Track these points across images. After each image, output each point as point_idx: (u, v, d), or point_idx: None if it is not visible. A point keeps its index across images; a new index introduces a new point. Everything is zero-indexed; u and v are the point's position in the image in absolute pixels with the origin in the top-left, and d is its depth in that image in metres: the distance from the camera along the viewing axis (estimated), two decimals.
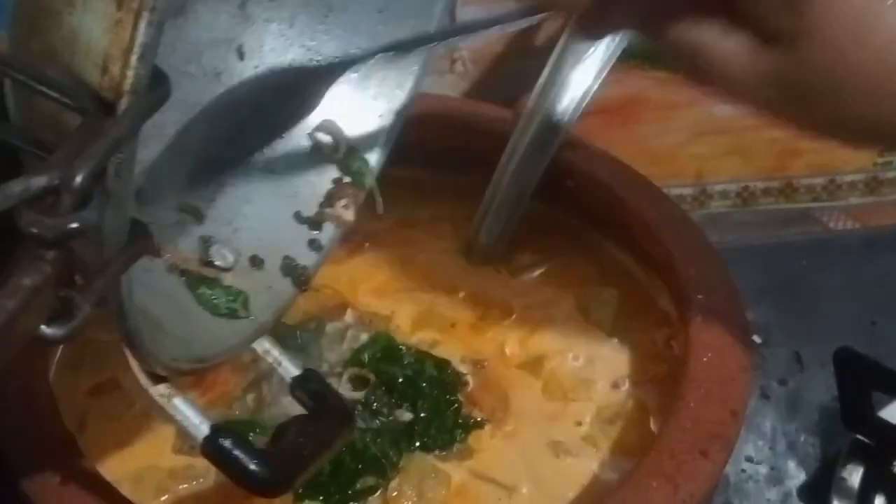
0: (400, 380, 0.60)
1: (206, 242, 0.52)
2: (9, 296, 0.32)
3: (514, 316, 0.64)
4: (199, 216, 0.52)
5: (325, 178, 0.57)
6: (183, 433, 0.52)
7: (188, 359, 0.47)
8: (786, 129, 0.81)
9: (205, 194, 0.53)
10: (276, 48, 0.56)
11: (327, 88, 0.56)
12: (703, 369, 0.55)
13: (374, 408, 0.59)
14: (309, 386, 0.50)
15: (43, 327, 0.33)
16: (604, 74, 0.66)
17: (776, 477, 0.66)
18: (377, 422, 0.58)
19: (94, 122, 0.34)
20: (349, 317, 0.63)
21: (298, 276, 0.55)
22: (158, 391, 0.45)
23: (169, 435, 0.57)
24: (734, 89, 0.47)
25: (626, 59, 0.68)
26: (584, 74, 0.66)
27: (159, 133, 0.49)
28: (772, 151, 0.84)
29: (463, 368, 0.61)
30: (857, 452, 0.63)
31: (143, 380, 0.45)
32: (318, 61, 0.57)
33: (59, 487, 0.50)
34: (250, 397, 0.59)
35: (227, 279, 0.52)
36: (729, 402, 0.54)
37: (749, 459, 0.67)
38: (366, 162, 0.58)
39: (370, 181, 0.58)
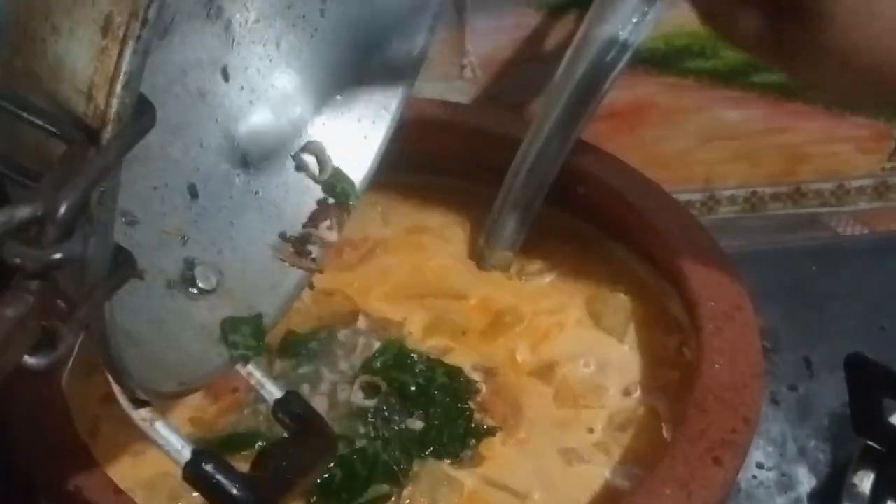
0: (412, 388, 0.60)
1: (190, 264, 0.51)
2: None
3: (525, 323, 0.64)
4: (182, 237, 0.52)
5: (309, 199, 0.57)
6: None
7: (173, 382, 0.47)
8: (794, 134, 0.82)
9: (188, 216, 0.53)
10: (261, 69, 0.56)
11: (313, 110, 0.57)
12: (715, 376, 0.55)
13: (385, 415, 0.59)
14: (291, 408, 0.49)
15: (27, 357, 0.33)
16: (612, 84, 0.66)
17: (787, 483, 0.66)
18: (389, 430, 0.58)
19: (79, 150, 0.33)
20: (361, 323, 0.63)
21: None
22: (140, 415, 0.45)
23: None
24: (748, 48, 0.48)
25: (634, 65, 0.68)
26: (592, 84, 0.65)
27: (143, 154, 0.49)
28: (780, 156, 0.85)
29: (474, 376, 0.61)
30: (868, 458, 0.63)
31: (125, 404, 0.45)
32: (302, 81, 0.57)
33: (73, 495, 0.50)
34: (262, 406, 0.59)
35: (211, 300, 0.52)
36: (741, 409, 0.54)
37: (760, 466, 0.67)
38: (351, 183, 0.57)
39: (355, 202, 0.57)
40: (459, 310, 0.64)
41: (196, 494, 0.54)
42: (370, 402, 0.59)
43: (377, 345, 0.62)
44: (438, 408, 0.59)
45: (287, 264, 0.55)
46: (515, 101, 0.78)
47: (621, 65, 0.64)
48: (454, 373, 0.61)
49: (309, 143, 0.57)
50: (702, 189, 0.85)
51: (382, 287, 0.66)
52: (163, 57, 0.50)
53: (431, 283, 0.66)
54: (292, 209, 0.56)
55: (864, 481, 0.63)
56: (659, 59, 0.78)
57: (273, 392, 0.50)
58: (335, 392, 0.60)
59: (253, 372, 0.51)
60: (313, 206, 0.57)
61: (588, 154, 0.67)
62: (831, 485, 0.65)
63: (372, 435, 0.58)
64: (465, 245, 0.68)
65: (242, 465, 0.55)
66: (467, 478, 0.56)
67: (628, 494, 0.53)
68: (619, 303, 0.64)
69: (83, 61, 0.33)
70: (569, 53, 0.66)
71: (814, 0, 0.44)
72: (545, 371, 0.61)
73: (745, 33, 0.48)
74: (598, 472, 0.57)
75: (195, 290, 0.51)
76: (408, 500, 0.55)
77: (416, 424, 0.58)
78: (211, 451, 0.45)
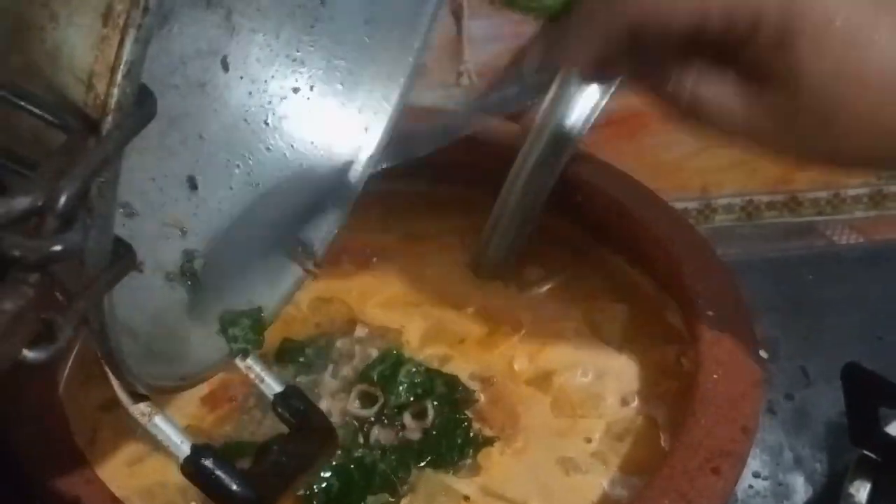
0: (410, 397, 0.60)
1: (189, 256, 0.51)
2: None
3: (522, 331, 0.64)
4: (181, 229, 0.52)
5: (309, 190, 0.57)
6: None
7: (171, 377, 0.47)
8: None
9: (187, 207, 0.53)
10: (261, 59, 0.55)
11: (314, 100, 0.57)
12: (713, 386, 0.55)
13: (383, 424, 0.59)
14: (291, 403, 0.50)
15: (25, 351, 0.33)
16: (613, 89, 0.66)
17: (783, 493, 0.66)
18: (387, 439, 0.58)
19: (79, 140, 0.33)
20: (359, 331, 0.63)
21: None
22: (139, 410, 0.45)
23: None
24: (732, 132, 0.48)
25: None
26: (592, 89, 0.66)
27: (142, 144, 0.48)
28: (776, 165, 0.85)
29: (472, 385, 0.61)
30: (865, 468, 0.63)
31: (124, 398, 0.45)
32: (301, 72, 0.57)
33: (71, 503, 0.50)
34: (259, 414, 0.59)
35: (210, 294, 0.52)
36: (740, 419, 0.54)
37: (756, 475, 0.67)
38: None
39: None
40: (457, 318, 0.64)
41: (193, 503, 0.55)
42: (368, 412, 0.59)
43: (375, 353, 0.62)
44: (436, 417, 0.59)
45: (288, 258, 0.55)
46: (512, 110, 0.78)
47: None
48: (452, 382, 0.60)
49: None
50: (698, 197, 0.85)
51: (380, 295, 0.66)
52: (162, 46, 0.50)
53: (429, 291, 0.66)
54: (293, 201, 0.56)
55: (861, 491, 0.62)
56: None
57: (273, 386, 0.50)
58: (333, 400, 0.60)
59: (252, 366, 0.51)
60: (314, 198, 0.56)
61: (586, 163, 0.67)
62: (828, 494, 0.65)
63: (370, 444, 0.58)
64: (462, 253, 0.68)
65: None
66: (465, 487, 0.56)
67: None
68: (618, 312, 0.64)
69: (83, 50, 0.33)
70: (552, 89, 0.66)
71: (787, 61, 0.44)
72: (543, 380, 0.61)
73: (718, 112, 0.47)
74: (596, 481, 0.57)
75: (194, 283, 0.51)
76: None
77: (414, 434, 0.58)
78: (210, 446, 0.45)
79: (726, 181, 0.85)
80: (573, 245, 0.68)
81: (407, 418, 0.59)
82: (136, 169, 0.49)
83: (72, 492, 0.50)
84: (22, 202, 0.31)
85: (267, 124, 0.56)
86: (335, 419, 0.59)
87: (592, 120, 0.65)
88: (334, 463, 0.56)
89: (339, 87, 0.57)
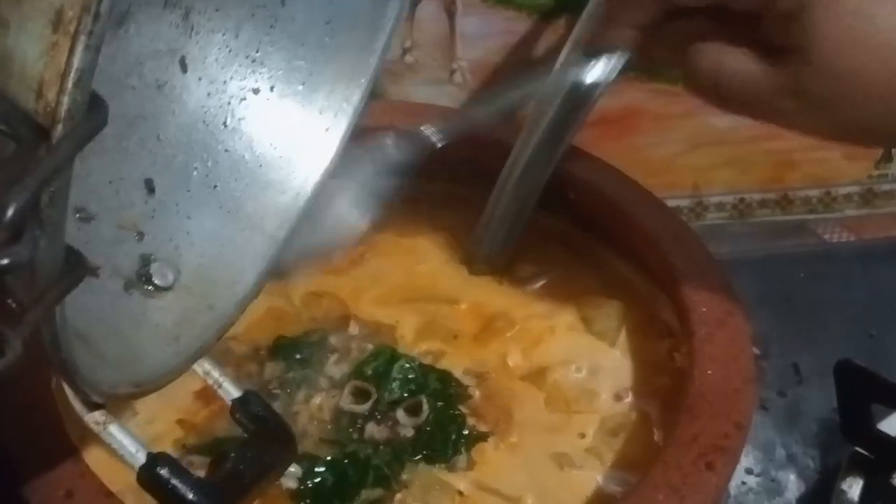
0: (404, 393, 0.60)
1: (146, 260, 0.51)
2: None
3: (516, 327, 0.64)
4: (138, 233, 0.52)
5: (270, 193, 0.56)
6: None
7: (128, 384, 0.46)
8: (782, 141, 0.83)
9: (144, 210, 0.52)
10: (219, 59, 0.54)
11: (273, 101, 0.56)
12: (707, 382, 0.55)
13: (377, 420, 0.59)
14: (249, 408, 0.49)
15: None
16: (606, 89, 0.66)
17: (776, 489, 0.67)
18: (381, 434, 0.58)
19: (29, 149, 0.32)
20: (353, 328, 0.63)
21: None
22: (94, 419, 0.44)
23: (169, 446, 0.57)
24: (750, 106, 0.49)
25: (624, 72, 0.68)
26: (585, 89, 0.65)
27: (99, 146, 0.47)
28: (768, 163, 0.85)
29: (466, 380, 0.61)
30: (857, 465, 0.63)
31: (78, 408, 0.44)
32: (261, 73, 0.56)
33: (65, 500, 0.50)
34: None
35: (167, 298, 0.51)
36: (733, 415, 0.54)
37: (749, 472, 0.67)
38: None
39: None
40: (451, 314, 0.64)
41: None
42: (362, 407, 0.59)
43: (369, 349, 0.62)
44: (430, 413, 0.59)
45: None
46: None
47: (615, 73, 0.64)
48: (446, 378, 0.60)
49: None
50: (690, 195, 0.86)
51: (374, 291, 0.65)
52: (118, 46, 0.49)
53: (423, 287, 0.66)
54: (252, 203, 0.55)
55: (853, 487, 0.63)
56: (647, 67, 0.78)
57: (231, 392, 0.49)
58: (326, 396, 0.60)
59: (210, 371, 0.50)
60: (275, 200, 0.55)
61: (580, 160, 0.67)
62: (820, 491, 0.66)
63: (364, 440, 0.58)
64: (456, 249, 0.68)
65: None
66: (459, 482, 0.56)
67: (621, 500, 0.53)
68: (611, 308, 0.64)
69: (33, 57, 0.32)
70: (559, 60, 0.66)
71: (801, 34, 0.47)
72: (537, 376, 0.61)
73: (741, 86, 0.49)
74: (590, 476, 0.57)
75: (151, 288, 0.50)
76: None
77: (408, 429, 0.58)
78: (166, 455, 0.44)
79: (717, 179, 0.86)
80: (566, 241, 0.68)
81: (401, 414, 0.59)
82: (93, 172, 0.48)
83: (65, 486, 0.50)
84: None
85: (226, 126, 0.55)
86: (329, 415, 0.59)
87: (588, 114, 0.65)
88: (328, 458, 0.56)
89: (300, 87, 0.56)
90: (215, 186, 0.54)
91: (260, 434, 0.48)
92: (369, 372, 0.60)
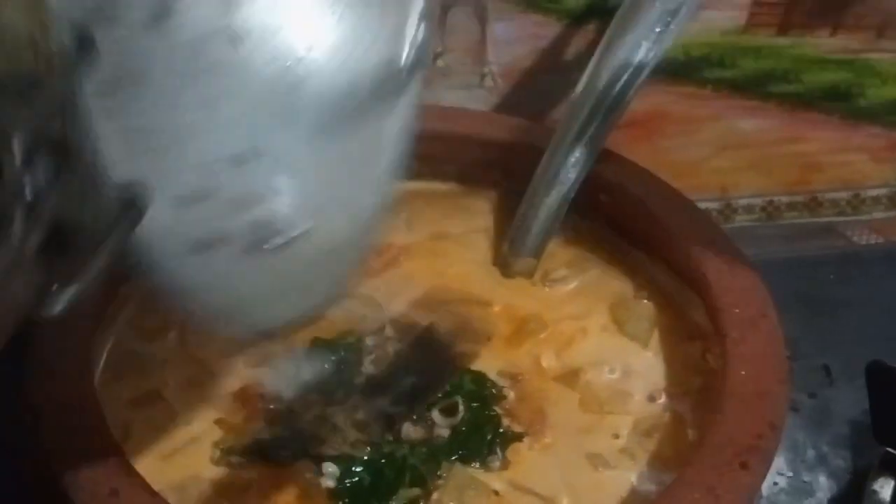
0: (438, 394, 0.60)
1: (264, 223, 0.50)
2: None
3: (549, 329, 0.64)
4: (254, 197, 0.50)
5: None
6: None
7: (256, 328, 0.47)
8: (807, 144, 0.83)
9: (255, 176, 0.51)
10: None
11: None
12: (740, 382, 0.56)
13: (413, 421, 0.59)
14: None
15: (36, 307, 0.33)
16: (636, 92, 0.67)
17: (807, 490, 0.67)
18: (417, 435, 0.59)
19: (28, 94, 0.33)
20: (388, 330, 0.64)
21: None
22: None
23: (207, 446, 0.58)
24: None
25: (652, 74, 0.68)
26: (616, 91, 0.66)
27: (202, 126, 0.47)
28: (795, 165, 0.85)
29: (500, 381, 0.61)
30: (889, 466, 0.64)
31: None
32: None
33: (109, 498, 0.50)
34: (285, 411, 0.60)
35: (288, 253, 0.50)
36: (767, 415, 0.54)
37: (780, 472, 0.67)
38: None
39: None
40: (484, 316, 0.65)
41: (226, 499, 0.56)
42: (397, 409, 0.60)
43: (403, 350, 0.62)
44: (465, 413, 0.59)
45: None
46: (535, 111, 0.79)
47: (646, 73, 0.65)
48: (480, 379, 0.61)
49: None
50: (718, 198, 0.86)
51: (408, 293, 0.66)
52: (170, 42, 0.49)
53: (456, 289, 0.67)
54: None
55: (885, 488, 0.63)
56: (677, 69, 0.79)
57: None
58: (362, 398, 0.60)
59: None
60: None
61: (612, 163, 0.67)
62: (851, 492, 0.66)
63: (400, 440, 0.58)
64: (488, 252, 0.69)
65: (264, 473, 0.56)
66: (494, 481, 0.57)
67: (656, 499, 0.53)
68: (643, 309, 0.65)
69: (19, 19, 0.32)
70: (592, 63, 0.66)
71: None
72: (570, 377, 0.62)
73: None
74: (625, 477, 0.57)
75: (272, 245, 0.49)
76: (436, 503, 0.56)
77: (444, 430, 0.59)
78: None
79: (744, 182, 0.86)
80: (598, 244, 0.69)
81: (436, 415, 0.59)
82: (194, 153, 0.48)
83: (109, 485, 0.51)
84: None
85: None
86: (366, 416, 0.59)
87: (621, 116, 0.65)
88: (365, 458, 0.57)
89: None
90: (337, 149, 0.52)
91: None
92: (404, 373, 0.61)
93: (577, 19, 0.77)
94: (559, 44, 0.78)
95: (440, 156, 0.71)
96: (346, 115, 0.50)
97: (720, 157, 0.85)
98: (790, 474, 0.68)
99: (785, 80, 0.81)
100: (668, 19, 0.64)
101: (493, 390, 0.61)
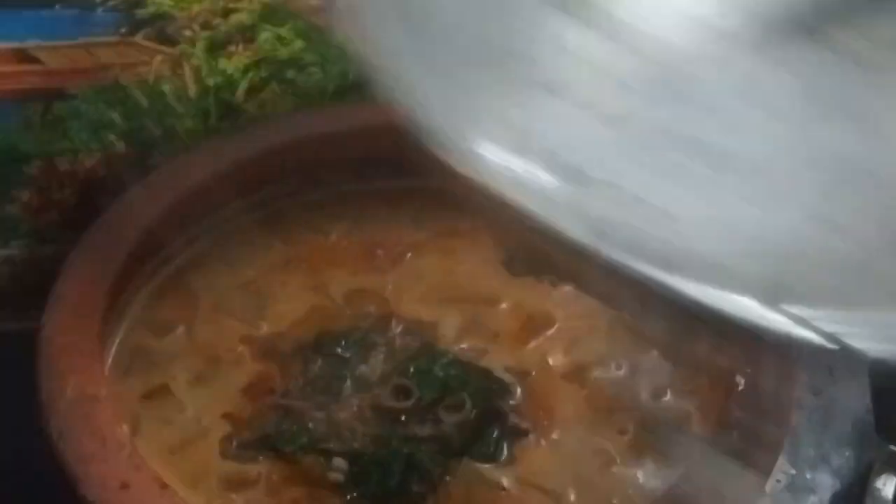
0: (445, 390, 0.60)
1: None
2: None
3: (556, 326, 0.65)
4: None
5: None
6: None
7: None
8: None
9: None
10: None
11: None
12: (746, 380, 0.56)
13: (419, 417, 0.60)
14: None
15: None
16: None
17: (810, 487, 0.67)
18: (424, 431, 0.59)
19: None
20: (395, 326, 0.64)
21: None
22: None
23: (216, 440, 0.58)
24: None
25: None
26: None
27: None
28: None
29: (508, 378, 0.62)
30: (892, 463, 0.64)
31: None
32: None
33: (120, 491, 0.51)
34: (297, 405, 0.60)
35: None
36: (773, 413, 0.55)
37: (782, 470, 0.67)
38: None
39: None
40: (492, 313, 0.65)
41: (235, 494, 0.56)
42: (404, 405, 0.60)
43: (411, 347, 0.63)
44: (473, 410, 0.60)
45: None
46: None
47: None
48: (488, 375, 0.61)
49: None
50: None
51: (416, 290, 0.66)
52: None
53: (464, 286, 0.67)
54: None
55: (888, 485, 0.63)
56: None
57: None
58: (369, 394, 0.61)
59: None
60: None
61: None
62: (854, 489, 0.66)
63: (407, 436, 0.59)
64: (496, 249, 0.69)
65: (272, 468, 0.57)
66: (502, 477, 0.57)
67: (663, 496, 0.54)
68: (650, 308, 0.65)
69: None
70: None
71: None
72: (577, 374, 0.62)
73: None
74: (632, 473, 0.58)
75: None
76: (444, 499, 0.56)
77: (450, 427, 0.59)
78: None
79: None
80: None
81: (442, 411, 0.60)
82: None
83: (120, 477, 0.51)
84: None
85: None
86: (372, 412, 0.60)
87: None
88: (373, 453, 0.57)
89: None
90: None
91: None
92: (411, 369, 0.61)
93: None
94: None
95: None
96: None
97: None
98: (793, 472, 0.68)
99: None
100: None
101: (501, 387, 0.61)
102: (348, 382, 0.61)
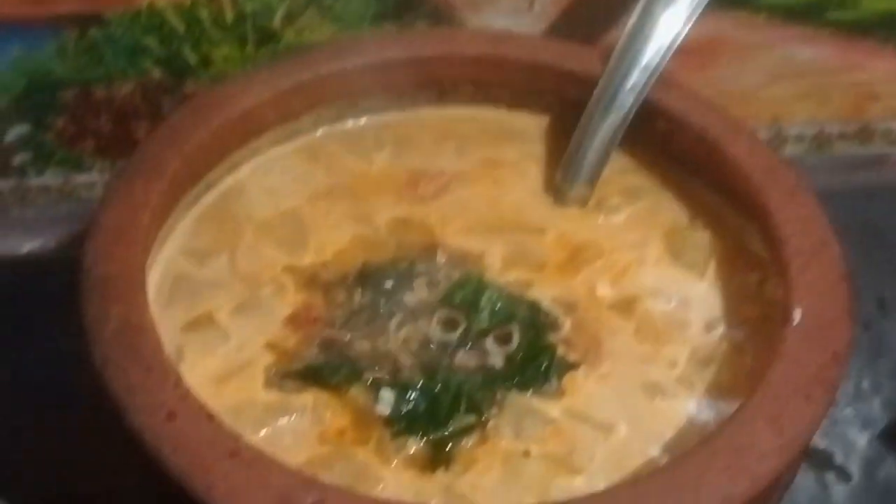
0: (493, 322, 0.59)
1: None
2: None
3: (604, 258, 0.63)
4: None
5: None
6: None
7: None
8: (864, 73, 0.81)
9: None
10: None
11: None
12: (803, 312, 0.55)
13: (467, 349, 0.59)
14: None
15: None
16: (695, 18, 0.65)
17: (861, 420, 0.66)
18: (471, 362, 0.58)
19: None
20: (440, 256, 0.63)
21: None
22: None
23: (260, 371, 0.58)
24: None
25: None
26: (674, 17, 0.65)
27: None
28: (849, 94, 0.84)
29: (555, 310, 0.60)
30: None
31: None
32: None
33: (167, 421, 0.50)
34: (342, 335, 0.59)
35: None
36: (831, 346, 0.54)
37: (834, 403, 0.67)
38: None
39: None
40: (538, 244, 0.64)
41: (281, 421, 0.56)
42: (451, 336, 0.59)
43: (457, 278, 0.62)
44: (520, 341, 0.59)
45: None
46: (585, 36, 0.77)
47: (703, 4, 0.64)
48: (535, 307, 0.60)
49: None
50: (769, 127, 0.85)
51: (460, 220, 0.65)
52: None
53: (508, 217, 0.66)
54: None
55: None
56: None
57: None
58: (415, 325, 0.60)
59: None
60: None
61: (669, 89, 0.66)
62: None
63: (454, 367, 0.58)
64: (541, 179, 0.68)
65: (318, 398, 0.56)
66: (551, 409, 0.56)
67: (717, 428, 0.53)
68: (699, 239, 0.64)
69: None
70: None
71: None
72: (626, 306, 0.61)
73: None
74: (682, 406, 0.57)
75: None
76: (493, 430, 0.55)
77: (498, 359, 0.58)
78: None
79: (797, 111, 0.84)
80: (654, 172, 0.67)
81: (490, 343, 0.59)
82: None
83: (167, 408, 0.50)
84: None
85: None
86: (419, 344, 0.59)
87: (678, 42, 0.64)
88: (420, 385, 0.57)
89: None
90: None
91: None
92: (458, 300, 0.60)
93: None
94: None
95: (490, 80, 0.70)
96: None
97: (773, 86, 0.83)
98: (845, 404, 0.67)
99: (841, 6, 0.79)
100: None
101: (548, 319, 0.60)
102: (394, 313, 0.60)
